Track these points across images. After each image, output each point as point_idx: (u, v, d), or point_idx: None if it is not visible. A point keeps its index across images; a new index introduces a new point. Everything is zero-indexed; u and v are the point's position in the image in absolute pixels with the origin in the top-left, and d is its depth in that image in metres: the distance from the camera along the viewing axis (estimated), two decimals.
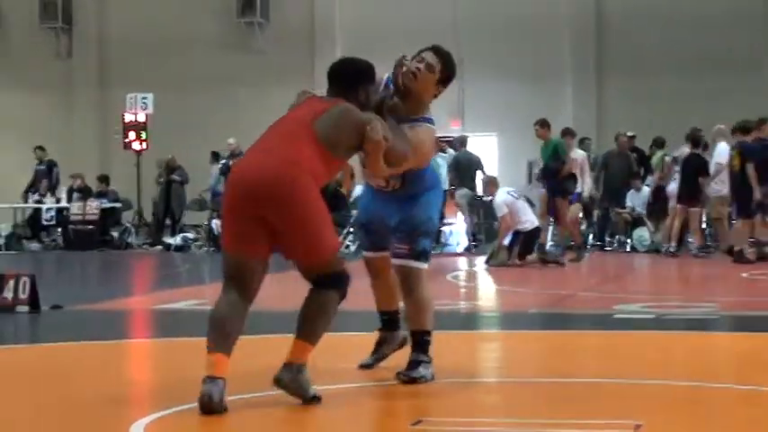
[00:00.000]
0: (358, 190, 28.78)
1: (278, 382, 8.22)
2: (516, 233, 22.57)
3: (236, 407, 8.33)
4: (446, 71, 9.40)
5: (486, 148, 33.22)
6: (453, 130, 31.68)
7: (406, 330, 9.55)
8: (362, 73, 8.91)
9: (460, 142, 28.67)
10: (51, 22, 35.45)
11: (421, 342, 9.24)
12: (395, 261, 9.29)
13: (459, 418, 8.07)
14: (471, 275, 22.17)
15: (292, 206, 8.07)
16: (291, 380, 8.22)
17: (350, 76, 8.83)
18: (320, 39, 34.55)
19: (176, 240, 29.81)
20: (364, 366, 9.68)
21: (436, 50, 9.51)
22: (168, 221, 31.49)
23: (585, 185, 24.94)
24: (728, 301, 15.85)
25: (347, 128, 8.38)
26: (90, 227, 30.25)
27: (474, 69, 33.30)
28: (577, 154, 24.09)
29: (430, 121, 9.28)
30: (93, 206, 30.40)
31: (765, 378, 9.32)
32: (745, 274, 19.84)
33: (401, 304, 9.49)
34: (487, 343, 12.55)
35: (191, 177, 30.74)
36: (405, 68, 9.36)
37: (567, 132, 24.40)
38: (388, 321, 9.71)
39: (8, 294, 14.52)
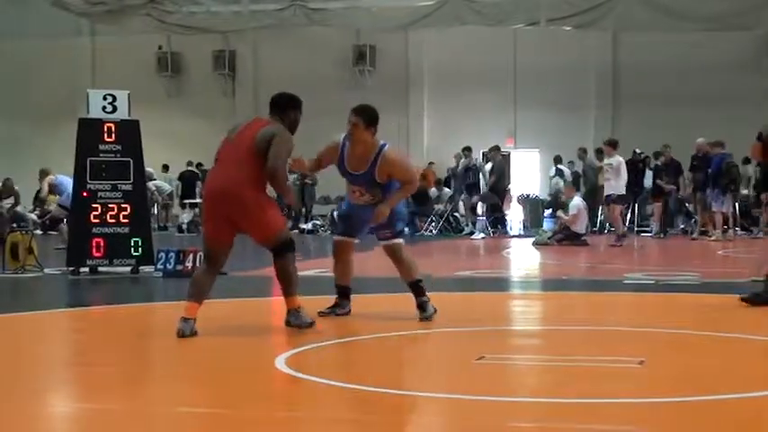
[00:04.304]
0: (435, 191, 28.93)
1: (287, 323, 8.91)
2: (565, 227, 22.51)
3: (358, 344, 8.39)
4: (365, 119, 9.50)
5: (530, 160, 33.19)
6: (508, 147, 31.64)
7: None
8: (292, 101, 9.21)
9: (497, 150, 27.96)
10: (220, 70, 35.75)
11: (417, 288, 9.73)
12: (383, 243, 9.74)
13: (512, 355, 8.06)
14: (523, 252, 22.07)
15: (244, 209, 8.65)
16: (295, 319, 8.86)
17: (282, 104, 9.13)
18: (412, 80, 34.58)
19: (308, 226, 29.93)
20: (322, 314, 9.82)
21: (355, 110, 9.58)
22: (303, 211, 31.61)
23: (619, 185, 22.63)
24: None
25: (266, 137, 8.71)
26: None
27: (525, 101, 33.35)
28: (616, 160, 22.49)
29: (383, 146, 9.53)
30: None
31: (732, 327, 9.22)
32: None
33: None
34: (530, 300, 12.50)
35: (318, 181, 30.83)
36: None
37: (609, 143, 22.92)
38: (342, 293, 10.01)
39: (188, 264, 14.73)
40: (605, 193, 22.61)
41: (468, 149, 28.65)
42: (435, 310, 9.68)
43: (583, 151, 28.38)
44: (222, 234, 8.83)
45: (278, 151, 8.67)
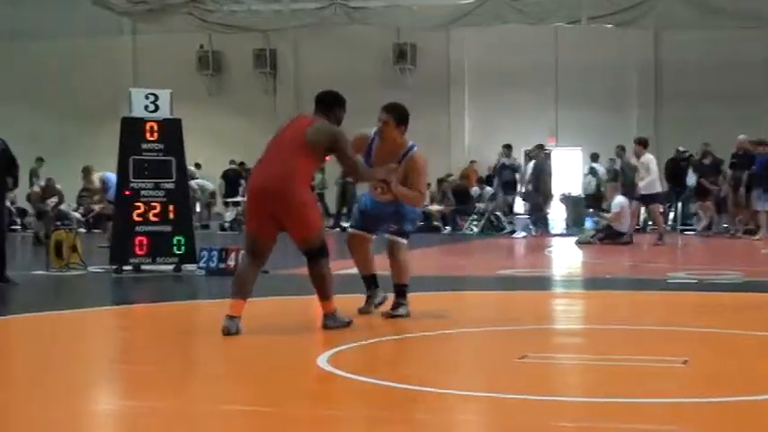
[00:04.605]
0: (477, 189, 28.87)
1: (325, 326, 8.97)
2: (608, 226, 22.40)
3: (400, 342, 8.40)
4: (396, 117, 9.65)
5: (572, 158, 33.05)
6: (550, 145, 31.51)
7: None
8: (337, 99, 9.30)
9: (540, 149, 27.69)
10: (261, 69, 35.84)
11: (400, 291, 9.83)
12: (387, 236, 9.84)
13: (554, 354, 8.05)
14: (565, 251, 21.99)
15: (287, 205, 8.73)
16: (332, 322, 8.92)
17: (327, 102, 9.23)
18: (453, 79, 34.54)
19: (349, 225, 29.84)
20: (362, 311, 9.91)
21: (385, 108, 9.74)
22: (345, 210, 31.63)
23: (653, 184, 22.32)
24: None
25: (324, 135, 8.86)
26: None
27: (566, 100, 33.23)
28: (646, 158, 22.17)
29: (412, 147, 9.67)
30: None
31: None
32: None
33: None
34: (572, 299, 12.45)
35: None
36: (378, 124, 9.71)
37: (639, 142, 22.55)
38: (370, 283, 10.06)
39: (231, 262, 14.79)
40: (639, 193, 22.40)
41: (507, 147, 28.55)
42: (408, 314, 9.71)
43: (621, 149, 28.19)
44: (266, 230, 8.89)
45: (349, 153, 8.98)
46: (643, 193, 22.15)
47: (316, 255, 8.90)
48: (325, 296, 8.99)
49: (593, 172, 28.82)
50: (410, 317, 9.69)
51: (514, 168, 28.52)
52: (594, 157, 29.41)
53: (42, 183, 27.04)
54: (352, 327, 8.96)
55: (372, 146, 9.60)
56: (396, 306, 9.78)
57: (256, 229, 8.94)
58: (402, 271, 9.78)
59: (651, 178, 22.07)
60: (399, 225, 9.74)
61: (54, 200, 25.85)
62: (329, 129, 8.91)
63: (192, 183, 26.07)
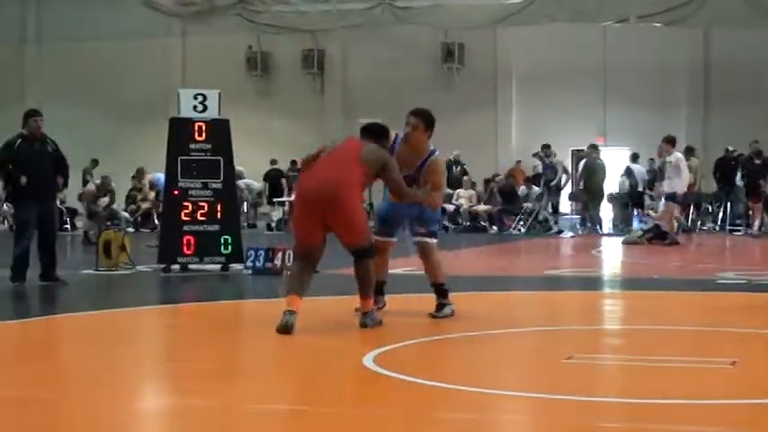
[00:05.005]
0: (524, 189, 28.78)
1: (363, 325, 9.09)
2: (656, 226, 22.25)
3: (447, 342, 8.39)
4: (425, 122, 9.76)
5: (622, 157, 32.85)
6: (599, 144, 31.32)
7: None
8: (384, 132, 9.48)
9: (592, 149, 27.65)
10: (309, 69, 35.88)
11: (440, 291, 9.88)
12: (416, 239, 9.93)
13: (601, 354, 8.01)
14: (612, 251, 21.87)
15: (336, 208, 8.89)
16: (370, 321, 9.06)
17: (376, 132, 9.41)
18: (501, 79, 34.43)
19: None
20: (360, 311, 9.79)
21: (414, 113, 9.81)
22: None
23: (681, 183, 21.99)
24: None
25: (377, 157, 9.15)
26: None
27: (615, 99, 33.03)
28: (675, 157, 21.91)
29: (434, 151, 9.78)
30: None
31: None
32: None
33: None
34: (620, 299, 12.38)
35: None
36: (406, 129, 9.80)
37: (667, 140, 22.27)
38: (377, 289, 9.89)
39: (277, 262, 14.85)
40: (666, 192, 22.08)
41: (546, 147, 28.39)
42: (453, 313, 9.74)
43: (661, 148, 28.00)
44: (313, 234, 9.02)
45: (397, 177, 9.27)
46: (671, 191, 21.80)
47: (362, 255, 9.08)
48: (365, 294, 9.15)
49: (628, 172, 28.55)
50: (455, 316, 9.67)
51: (555, 168, 28.30)
52: (634, 158, 29.16)
53: (98, 181, 27.27)
54: (398, 327, 8.96)
55: (395, 148, 9.63)
56: (440, 307, 9.79)
57: (303, 231, 9.10)
58: (437, 270, 9.87)
59: (680, 179, 21.77)
60: (426, 227, 9.87)
61: (105, 200, 26.05)
62: (382, 153, 9.23)
63: (240, 182, 26.17)
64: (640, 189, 28.28)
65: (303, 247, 9.15)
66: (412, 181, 9.63)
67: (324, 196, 8.90)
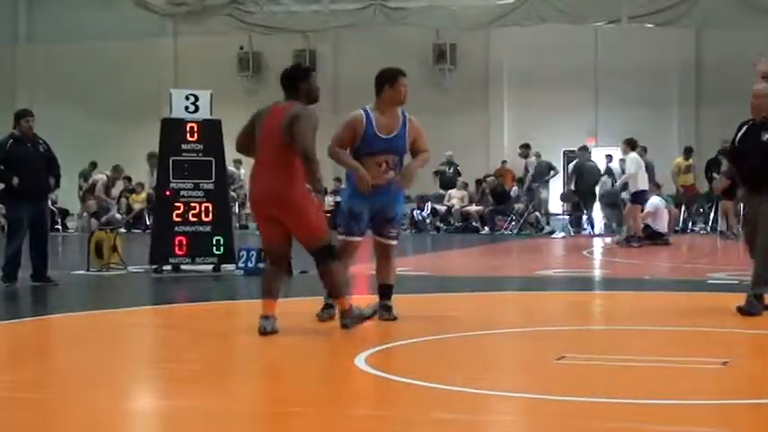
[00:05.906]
0: (516, 189, 28.78)
1: (345, 326, 8.81)
2: (647, 226, 22.26)
3: (438, 343, 8.39)
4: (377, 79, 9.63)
5: (614, 157, 32.83)
6: (590, 145, 31.31)
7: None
8: (297, 72, 9.14)
9: (583, 150, 27.65)
10: None
11: (389, 292, 9.65)
12: (385, 240, 9.63)
13: (593, 355, 8.01)
14: (603, 251, 21.87)
15: (288, 209, 8.61)
16: (351, 320, 8.77)
17: (292, 78, 9.00)
18: (492, 80, 34.44)
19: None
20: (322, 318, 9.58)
21: (404, 73, 9.84)
22: None
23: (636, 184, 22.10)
24: None
25: (288, 121, 8.61)
26: None
27: (606, 100, 33.07)
28: (629, 157, 22.29)
29: (404, 112, 9.57)
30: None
31: None
32: None
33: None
34: (611, 300, 12.38)
35: None
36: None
37: (627, 142, 22.50)
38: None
39: None
40: (629, 192, 22.35)
41: (525, 146, 28.36)
42: (396, 318, 9.61)
43: (643, 149, 27.89)
44: (274, 235, 8.83)
45: (302, 131, 8.52)
46: (632, 191, 21.94)
47: (323, 255, 8.75)
48: (336, 295, 8.92)
49: (608, 172, 28.47)
50: (445, 316, 9.63)
51: (527, 168, 28.32)
52: (609, 158, 28.94)
53: (109, 172, 27.48)
54: (390, 327, 8.93)
55: (371, 119, 9.34)
56: (389, 308, 9.64)
57: (265, 234, 8.93)
58: (393, 271, 9.75)
59: (640, 180, 21.91)
60: (397, 228, 9.73)
61: (113, 203, 26.16)
62: (292, 112, 8.66)
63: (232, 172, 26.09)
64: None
65: (268, 251, 9.04)
66: (402, 144, 9.36)
67: (270, 201, 8.65)
